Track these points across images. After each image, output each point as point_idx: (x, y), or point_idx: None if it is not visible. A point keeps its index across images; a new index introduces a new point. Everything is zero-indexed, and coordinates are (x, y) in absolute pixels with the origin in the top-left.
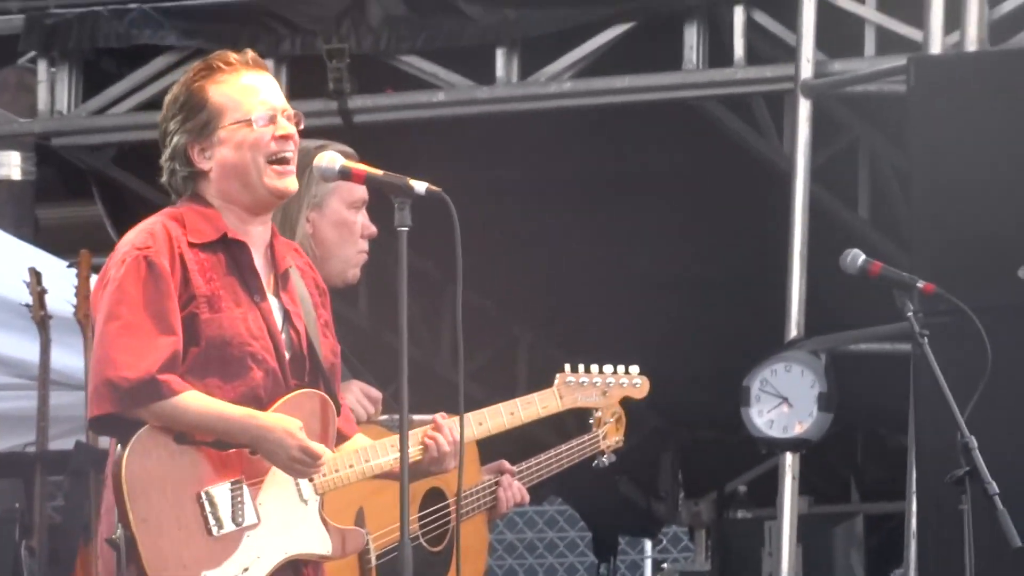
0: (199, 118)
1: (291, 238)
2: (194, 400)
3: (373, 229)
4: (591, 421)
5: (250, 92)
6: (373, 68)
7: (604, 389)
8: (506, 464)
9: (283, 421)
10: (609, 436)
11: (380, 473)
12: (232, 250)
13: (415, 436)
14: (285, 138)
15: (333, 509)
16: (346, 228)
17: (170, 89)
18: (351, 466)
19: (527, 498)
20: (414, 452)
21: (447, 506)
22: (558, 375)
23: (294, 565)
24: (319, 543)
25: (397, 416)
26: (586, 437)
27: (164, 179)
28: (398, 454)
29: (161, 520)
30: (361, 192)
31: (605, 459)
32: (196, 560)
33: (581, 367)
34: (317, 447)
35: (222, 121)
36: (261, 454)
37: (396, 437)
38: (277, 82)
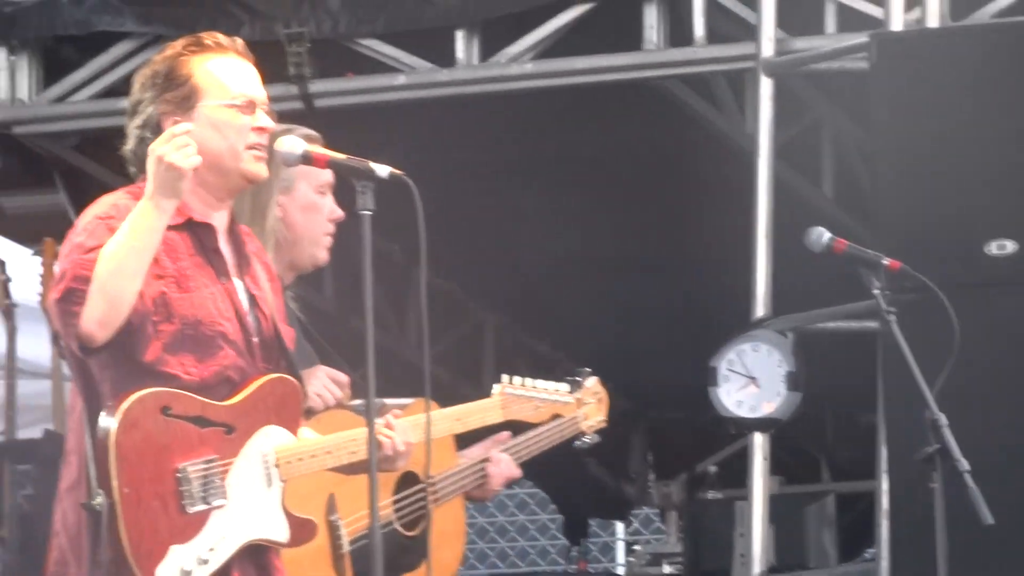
0: (180, 91)
1: (262, 223)
2: (102, 252)
3: (340, 213)
4: (572, 402)
5: (236, 78)
6: (333, 52)
7: (538, 404)
8: (503, 435)
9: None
10: (591, 416)
11: (338, 466)
12: (197, 232)
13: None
14: (263, 131)
15: (304, 495)
16: (314, 211)
17: (135, 72)
18: (314, 456)
19: (518, 472)
20: (361, 451)
21: (422, 490)
22: (496, 385)
23: (254, 549)
24: (277, 530)
25: (365, 400)
26: (568, 417)
27: (130, 146)
28: (355, 448)
29: (142, 491)
30: (328, 176)
31: (587, 439)
32: (169, 534)
33: (517, 379)
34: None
35: (205, 99)
36: (160, 194)
37: (353, 433)
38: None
